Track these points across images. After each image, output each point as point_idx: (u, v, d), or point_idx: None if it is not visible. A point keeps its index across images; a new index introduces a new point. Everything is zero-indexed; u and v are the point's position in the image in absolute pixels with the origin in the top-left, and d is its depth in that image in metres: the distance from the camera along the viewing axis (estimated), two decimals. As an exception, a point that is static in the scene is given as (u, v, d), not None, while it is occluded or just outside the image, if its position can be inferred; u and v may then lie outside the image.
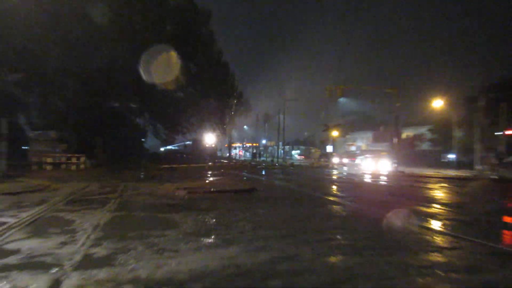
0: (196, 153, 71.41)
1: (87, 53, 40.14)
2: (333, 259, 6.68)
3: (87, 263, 6.07)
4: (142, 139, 61.78)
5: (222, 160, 64.81)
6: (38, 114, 44.41)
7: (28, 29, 33.78)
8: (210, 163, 44.26)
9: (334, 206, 13.61)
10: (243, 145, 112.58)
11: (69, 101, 39.33)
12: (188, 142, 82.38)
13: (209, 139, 74.37)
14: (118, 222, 9.62)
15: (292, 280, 5.45)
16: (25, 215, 10.11)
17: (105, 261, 6.16)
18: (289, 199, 15.39)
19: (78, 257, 6.35)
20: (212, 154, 77.57)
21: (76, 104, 39.11)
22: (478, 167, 34.42)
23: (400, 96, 41.26)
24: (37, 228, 8.59)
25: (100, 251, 6.77)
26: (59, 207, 11.63)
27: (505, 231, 9.74)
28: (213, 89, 52.59)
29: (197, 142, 75.47)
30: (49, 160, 32.36)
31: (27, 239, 7.60)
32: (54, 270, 5.67)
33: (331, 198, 15.88)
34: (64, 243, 7.28)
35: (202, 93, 53.29)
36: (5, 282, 5.12)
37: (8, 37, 33.03)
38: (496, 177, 29.05)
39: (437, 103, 44.27)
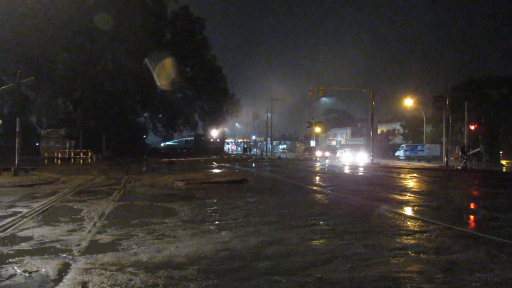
0: (199, 148, 66.66)
1: (93, 58, 39.85)
2: (316, 242, 6.68)
3: (93, 248, 6.01)
4: (144, 136, 61.46)
5: (217, 155, 63.27)
6: (48, 113, 44.03)
7: (39, 36, 33.42)
8: (205, 158, 44.00)
9: (317, 194, 13.63)
10: (235, 140, 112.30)
11: (76, 101, 38.97)
12: (189, 138, 76.34)
13: (214, 134, 70.09)
14: (122, 211, 9.55)
15: (279, 261, 5.44)
16: (37, 205, 10.00)
17: (110, 247, 6.10)
18: (277, 189, 15.39)
19: (85, 243, 6.29)
20: (217, 149, 72.19)
21: (83, 104, 38.77)
22: (445, 159, 34.71)
23: (375, 95, 41.39)
24: (48, 217, 8.50)
25: (105, 238, 6.71)
26: (68, 198, 11.52)
27: (469, 216, 9.83)
28: (207, 90, 52.50)
29: (199, 138, 70.82)
30: (59, 155, 32.05)
31: (39, 227, 7.51)
32: (63, 255, 5.61)
33: (314, 188, 15.93)
34: (72, 231, 7.20)
35: (198, 95, 53.23)
36: (18, 266, 5.05)
37: (21, 43, 32.65)
38: (461, 167, 29.31)
39: (408, 102, 44.65)
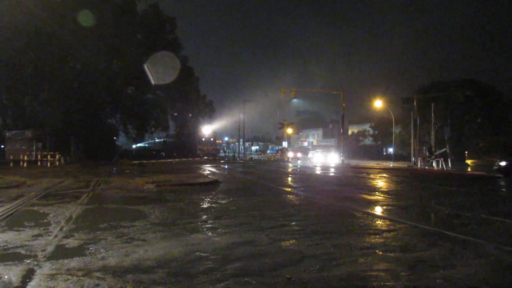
0: (184, 151, 54.70)
1: (61, 57, 38.91)
2: (286, 243, 6.72)
3: (59, 253, 5.86)
4: (114, 137, 60.19)
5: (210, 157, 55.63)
6: (13, 115, 42.63)
7: (4, 34, 32.40)
8: (177, 159, 43.38)
9: (288, 195, 13.73)
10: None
11: (44, 102, 37.93)
12: (168, 139, 65.42)
13: (206, 131, 59.31)
14: (90, 214, 9.36)
15: (249, 262, 5.45)
16: (0, 210, 9.67)
17: (77, 251, 5.97)
18: (248, 190, 15.41)
19: (51, 248, 6.13)
20: (211, 151, 59.34)
21: (51, 105, 37.74)
22: (413, 159, 35.56)
23: (346, 97, 42.08)
24: (12, 222, 8.24)
25: (72, 242, 6.55)
26: (34, 202, 11.20)
27: (434, 214, 10.09)
28: (179, 91, 52.04)
29: (182, 138, 60.43)
30: (25, 157, 31.10)
31: (2, 232, 7.27)
32: (27, 261, 5.44)
33: (286, 189, 16.02)
34: (38, 235, 7.01)
35: (169, 96, 52.70)
36: (-21, 273, 4.88)
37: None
38: (428, 167, 30.09)
39: (378, 103, 45.44)
